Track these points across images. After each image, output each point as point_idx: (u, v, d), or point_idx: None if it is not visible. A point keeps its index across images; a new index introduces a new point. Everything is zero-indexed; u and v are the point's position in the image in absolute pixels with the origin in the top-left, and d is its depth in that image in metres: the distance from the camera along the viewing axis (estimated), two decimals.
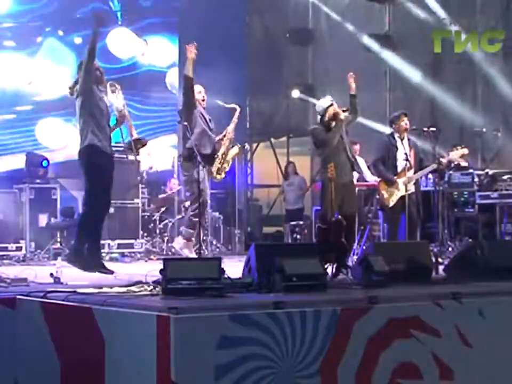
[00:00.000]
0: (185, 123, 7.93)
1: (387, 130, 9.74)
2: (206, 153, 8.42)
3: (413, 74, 13.95)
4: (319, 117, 8.28)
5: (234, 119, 8.93)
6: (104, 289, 5.18)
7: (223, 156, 8.70)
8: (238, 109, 9.04)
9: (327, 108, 8.16)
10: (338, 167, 7.41)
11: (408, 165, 8.57)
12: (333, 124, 8.08)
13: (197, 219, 7.80)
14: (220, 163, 8.66)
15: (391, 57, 14.32)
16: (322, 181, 8.03)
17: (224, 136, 8.83)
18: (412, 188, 8.77)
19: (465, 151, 9.39)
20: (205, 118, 8.56)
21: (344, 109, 8.20)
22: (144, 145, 7.96)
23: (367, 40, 14.27)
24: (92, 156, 7.33)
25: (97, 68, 7.52)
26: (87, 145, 7.34)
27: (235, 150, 8.92)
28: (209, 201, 8.86)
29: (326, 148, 8.07)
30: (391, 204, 8.81)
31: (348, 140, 8.29)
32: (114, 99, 7.65)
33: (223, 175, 8.77)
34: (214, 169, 8.60)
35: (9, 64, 12.57)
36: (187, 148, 8.20)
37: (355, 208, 8.34)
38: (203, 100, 8.67)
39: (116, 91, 7.70)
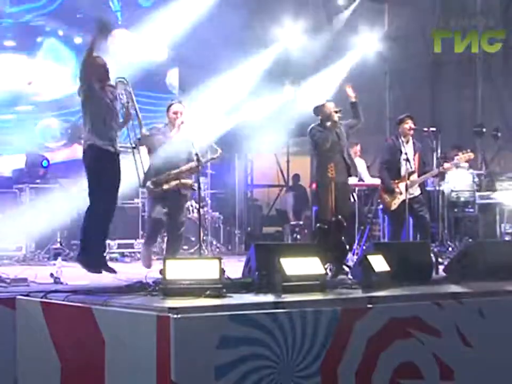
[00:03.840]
0: None
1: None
2: None
3: None
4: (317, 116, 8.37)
5: (210, 158, 8.33)
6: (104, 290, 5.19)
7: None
8: (218, 155, 8.14)
9: (320, 106, 8.24)
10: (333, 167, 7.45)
11: (410, 168, 8.58)
12: (328, 123, 8.11)
13: None
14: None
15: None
16: (318, 180, 8.08)
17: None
18: (416, 192, 8.77)
19: (471, 155, 9.36)
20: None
21: (337, 109, 8.22)
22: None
23: (366, 41, 14.24)
24: (92, 157, 7.16)
25: (103, 65, 7.23)
26: (88, 146, 7.20)
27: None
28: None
29: (320, 149, 8.12)
30: (393, 207, 8.82)
31: (347, 143, 8.34)
32: (123, 95, 7.42)
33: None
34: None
35: (9, 64, 12.57)
36: None
37: (349, 209, 8.35)
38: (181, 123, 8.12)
39: (124, 87, 7.43)
